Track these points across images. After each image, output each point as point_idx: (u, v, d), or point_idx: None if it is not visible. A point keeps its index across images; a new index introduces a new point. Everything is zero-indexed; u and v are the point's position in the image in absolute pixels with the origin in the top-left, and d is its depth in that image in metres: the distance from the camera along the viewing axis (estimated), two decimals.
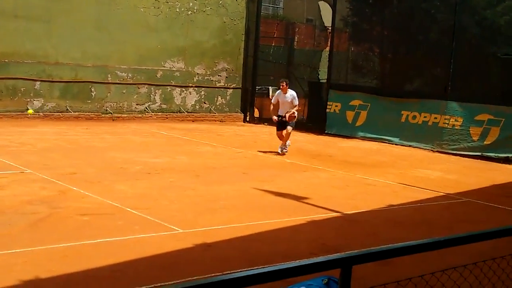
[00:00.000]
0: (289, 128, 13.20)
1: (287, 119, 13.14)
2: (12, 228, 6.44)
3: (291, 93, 13.27)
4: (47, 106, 16.60)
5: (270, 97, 21.63)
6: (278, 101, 13.42)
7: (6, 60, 15.89)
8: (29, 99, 16.30)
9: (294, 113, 13.18)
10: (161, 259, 5.82)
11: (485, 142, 14.59)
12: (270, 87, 21.58)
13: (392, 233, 7.35)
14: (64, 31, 16.68)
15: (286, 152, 13.18)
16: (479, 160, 14.29)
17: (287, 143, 13.33)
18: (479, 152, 14.57)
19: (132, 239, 6.33)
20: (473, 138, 14.82)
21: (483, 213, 9.02)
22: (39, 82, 16.44)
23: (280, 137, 13.40)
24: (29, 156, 10.69)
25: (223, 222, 7.24)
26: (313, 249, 6.43)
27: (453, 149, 15.05)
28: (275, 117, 13.46)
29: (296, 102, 13.30)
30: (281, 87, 13.36)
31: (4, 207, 7.22)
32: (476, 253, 4.74)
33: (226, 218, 7.48)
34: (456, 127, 15.12)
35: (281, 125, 13.38)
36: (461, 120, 15.06)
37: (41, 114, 16.38)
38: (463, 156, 14.66)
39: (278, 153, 13.11)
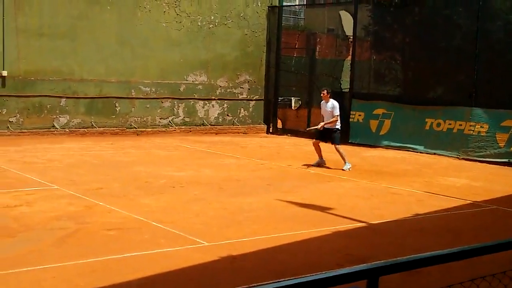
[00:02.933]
0: (336, 145, 12.63)
1: (319, 127, 12.79)
2: (41, 244, 6.52)
3: (332, 102, 12.76)
4: (72, 122, 16.83)
5: (293, 107, 21.66)
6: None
7: (32, 78, 16.17)
8: (55, 116, 16.55)
9: (330, 123, 12.66)
10: (187, 273, 5.85)
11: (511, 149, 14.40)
12: (292, 98, 21.58)
13: (418, 243, 7.28)
14: (88, 48, 16.93)
15: (347, 170, 12.46)
16: (506, 167, 14.09)
17: (346, 165, 12.56)
18: (506, 158, 14.37)
19: (159, 253, 6.37)
20: (500, 144, 14.63)
21: None
22: (64, 99, 16.68)
23: (316, 147, 12.87)
24: (56, 172, 10.83)
25: (248, 234, 7.24)
26: (339, 260, 6.40)
27: (479, 156, 14.87)
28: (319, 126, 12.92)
29: (336, 112, 12.69)
30: (321, 95, 12.98)
31: (33, 223, 7.33)
32: (505, 262, 4.67)
33: (251, 230, 7.48)
34: (481, 134, 14.95)
35: (319, 135, 12.92)
36: (487, 127, 14.88)
37: (67, 130, 16.60)
38: (490, 163, 14.47)
39: (312, 166, 12.76)
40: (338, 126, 12.87)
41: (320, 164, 12.90)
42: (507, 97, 15.22)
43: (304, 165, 12.99)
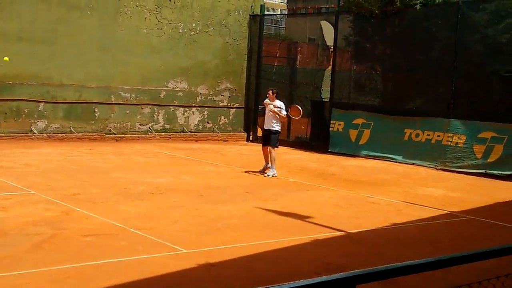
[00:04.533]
0: (271, 147, 12.50)
1: (268, 108, 12.54)
2: (16, 249, 6.43)
3: (277, 102, 12.65)
4: (51, 127, 16.66)
5: None
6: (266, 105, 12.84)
7: (10, 82, 15.99)
8: (33, 121, 16.37)
9: (278, 111, 12.48)
10: (164, 280, 5.81)
11: (488, 160, 14.56)
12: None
13: (396, 252, 7.32)
14: (68, 53, 16.80)
15: (271, 176, 12.38)
16: (483, 178, 14.25)
17: (270, 171, 12.45)
18: (483, 169, 14.54)
19: (136, 260, 6.32)
20: (477, 155, 14.80)
21: (488, 231, 8.98)
22: (43, 104, 16.52)
23: (265, 153, 12.71)
24: (33, 177, 10.71)
25: (226, 242, 7.22)
26: (317, 269, 6.40)
27: (456, 167, 15.02)
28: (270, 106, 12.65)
29: (283, 112, 12.62)
30: (267, 95, 12.85)
31: (8, 228, 7.23)
32: (481, 272, 4.71)
33: (230, 237, 7.46)
34: (459, 145, 15.11)
35: (265, 139, 12.86)
36: (464, 138, 15.05)
37: (45, 135, 16.43)
38: (467, 174, 14.62)
39: (261, 173, 12.64)
40: (278, 128, 12.76)
41: (265, 169, 12.76)
42: (485, 109, 15.41)
43: (251, 171, 13.04)
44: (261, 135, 13.12)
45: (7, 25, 15.83)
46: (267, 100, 12.86)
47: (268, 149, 12.62)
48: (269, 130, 12.74)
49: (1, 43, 15.74)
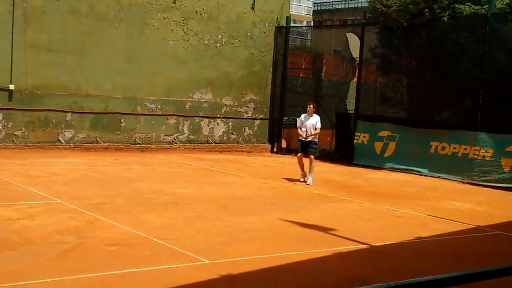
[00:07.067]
0: (311, 157, 13.24)
1: (305, 137, 13.26)
2: (41, 257, 6.50)
3: (316, 116, 13.39)
4: (77, 137, 16.87)
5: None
6: (302, 124, 13.56)
7: (39, 92, 16.25)
8: (60, 130, 16.60)
9: (315, 134, 13.31)
10: None
11: None
12: (297, 118, 21.59)
13: (420, 266, 7.22)
14: (96, 64, 17.03)
15: (310, 184, 13.09)
16: (510, 192, 14.02)
17: (309, 178, 13.23)
18: (511, 183, 14.30)
19: (159, 270, 6.34)
20: (504, 169, 14.57)
21: None
22: (70, 114, 16.75)
23: (300, 161, 13.46)
24: (59, 187, 10.84)
25: (249, 253, 7.21)
26: (340, 281, 6.35)
27: (483, 181, 14.80)
28: (300, 132, 13.52)
29: (319, 125, 13.35)
30: (308, 109, 13.47)
31: (34, 236, 7.31)
32: (509, 287, 4.63)
33: (253, 249, 7.45)
34: (486, 159, 14.90)
35: (303, 147, 13.42)
36: (492, 151, 14.84)
37: (72, 145, 16.64)
38: (494, 188, 14.40)
39: (300, 181, 13.30)
40: (316, 139, 13.54)
41: (305, 177, 13.39)
42: None
43: (291, 180, 13.08)
44: (296, 145, 13.84)
45: (38, 36, 16.12)
46: (302, 119, 13.57)
47: (310, 158, 13.24)
48: (311, 141, 13.36)
49: (31, 53, 16.04)
